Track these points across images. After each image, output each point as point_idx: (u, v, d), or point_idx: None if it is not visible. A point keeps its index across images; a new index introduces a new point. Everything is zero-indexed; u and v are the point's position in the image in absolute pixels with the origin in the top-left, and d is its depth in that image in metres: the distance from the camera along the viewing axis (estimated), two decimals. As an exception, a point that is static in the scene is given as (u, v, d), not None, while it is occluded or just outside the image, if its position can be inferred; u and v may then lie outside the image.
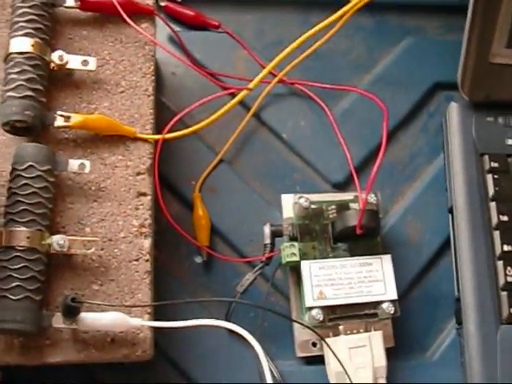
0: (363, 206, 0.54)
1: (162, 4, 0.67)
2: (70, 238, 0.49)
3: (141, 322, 0.48)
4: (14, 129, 0.50)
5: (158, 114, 0.59)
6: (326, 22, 0.60)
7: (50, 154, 0.49)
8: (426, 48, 0.70)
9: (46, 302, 0.48)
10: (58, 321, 0.47)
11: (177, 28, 0.67)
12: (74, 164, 0.50)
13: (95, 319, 0.47)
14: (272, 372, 0.54)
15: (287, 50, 0.60)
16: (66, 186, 0.51)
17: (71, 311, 0.47)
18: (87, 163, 0.50)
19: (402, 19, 0.72)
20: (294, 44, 0.60)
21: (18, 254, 0.46)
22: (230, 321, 0.55)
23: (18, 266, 0.46)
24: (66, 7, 0.55)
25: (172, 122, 0.58)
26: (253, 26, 0.69)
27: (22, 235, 0.47)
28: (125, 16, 0.55)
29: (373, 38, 0.70)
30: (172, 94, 0.64)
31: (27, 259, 0.46)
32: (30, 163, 0.48)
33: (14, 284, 0.46)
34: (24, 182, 0.48)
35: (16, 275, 0.46)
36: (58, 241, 0.48)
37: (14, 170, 0.49)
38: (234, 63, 0.66)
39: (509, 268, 0.58)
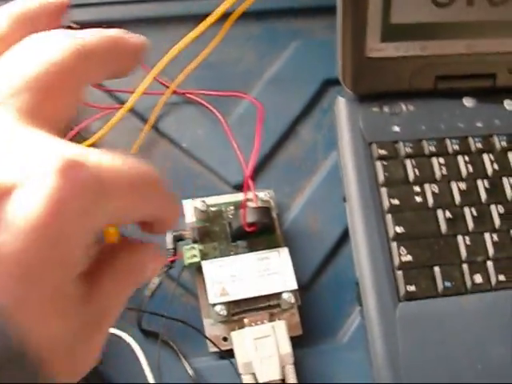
0: (244, 206, 0.58)
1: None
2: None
3: None
4: None
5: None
6: (195, 31, 0.59)
7: None
8: (314, 48, 0.73)
9: None
10: None
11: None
12: None
13: None
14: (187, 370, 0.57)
15: (163, 60, 0.60)
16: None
17: None
18: None
19: (290, 23, 0.74)
20: (169, 55, 0.60)
21: None
22: (141, 326, 0.58)
23: None
24: None
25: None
26: (152, 45, 0.71)
27: None
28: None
29: (262, 45, 0.73)
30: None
31: None
32: None
33: None
34: None
35: None
36: None
37: None
38: (133, 81, 0.68)
39: (402, 248, 0.60)
